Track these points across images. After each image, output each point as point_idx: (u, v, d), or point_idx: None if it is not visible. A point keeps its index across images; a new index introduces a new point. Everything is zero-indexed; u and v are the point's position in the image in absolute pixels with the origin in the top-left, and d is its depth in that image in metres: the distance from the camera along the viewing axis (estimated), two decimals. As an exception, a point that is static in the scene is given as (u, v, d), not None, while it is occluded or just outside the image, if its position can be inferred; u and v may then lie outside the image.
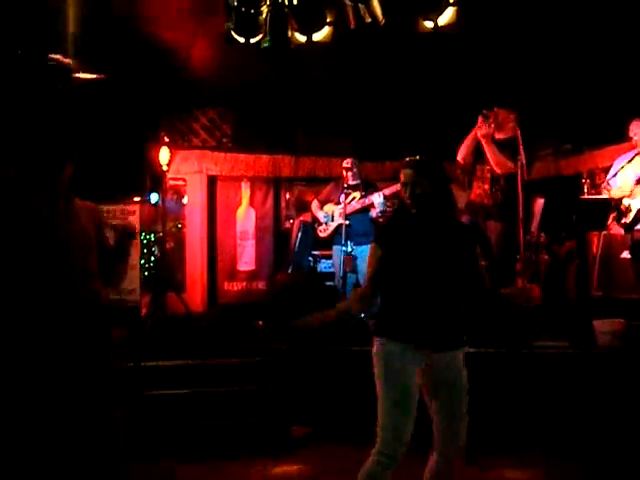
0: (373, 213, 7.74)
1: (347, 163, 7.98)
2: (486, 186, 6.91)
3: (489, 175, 6.91)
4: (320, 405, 6.25)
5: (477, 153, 7.05)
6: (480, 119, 6.82)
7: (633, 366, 5.99)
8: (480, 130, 6.82)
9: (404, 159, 3.79)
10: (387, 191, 7.66)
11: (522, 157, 6.71)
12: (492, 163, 6.85)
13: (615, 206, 7.01)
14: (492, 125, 6.84)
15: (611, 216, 7.13)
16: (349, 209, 7.74)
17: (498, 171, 6.86)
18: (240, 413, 6.15)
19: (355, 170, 8.01)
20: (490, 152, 6.82)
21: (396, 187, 7.48)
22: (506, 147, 6.83)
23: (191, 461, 5.65)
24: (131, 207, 7.15)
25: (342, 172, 8.01)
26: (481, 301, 3.75)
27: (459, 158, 6.98)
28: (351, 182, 7.97)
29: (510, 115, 6.87)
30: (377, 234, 3.86)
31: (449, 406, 3.62)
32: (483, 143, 6.83)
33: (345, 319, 3.90)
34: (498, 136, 6.89)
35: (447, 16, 6.11)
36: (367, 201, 7.81)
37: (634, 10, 7.33)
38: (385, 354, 3.58)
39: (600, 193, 7.33)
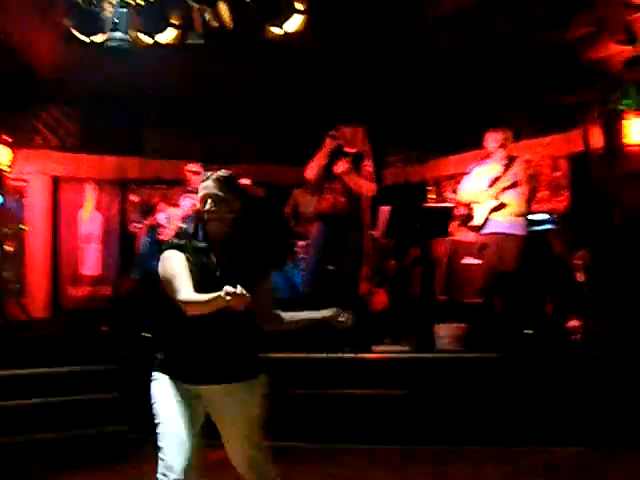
0: None
1: (193, 167, 7.85)
2: (339, 198, 6.95)
3: (340, 187, 6.94)
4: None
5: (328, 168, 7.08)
6: (328, 139, 6.85)
7: (471, 368, 6.18)
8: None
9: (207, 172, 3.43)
10: None
11: (369, 167, 6.82)
12: (363, 192, 6.93)
13: (467, 211, 7.23)
14: (343, 145, 6.92)
15: (456, 222, 7.37)
16: (184, 212, 7.59)
17: (369, 194, 6.97)
18: (82, 422, 5.93)
19: (200, 175, 7.88)
20: (355, 184, 6.90)
21: None
22: (358, 161, 6.91)
23: (30, 475, 5.40)
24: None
25: (187, 176, 7.85)
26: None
27: (309, 177, 6.98)
28: (196, 186, 7.82)
29: (358, 130, 6.96)
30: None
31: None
32: (346, 180, 6.89)
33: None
34: (349, 150, 6.96)
35: (295, 23, 6.11)
36: None
37: (477, 23, 7.59)
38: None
39: (445, 200, 7.55)
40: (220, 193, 3.26)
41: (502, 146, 7.05)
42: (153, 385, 3.28)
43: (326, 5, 6.71)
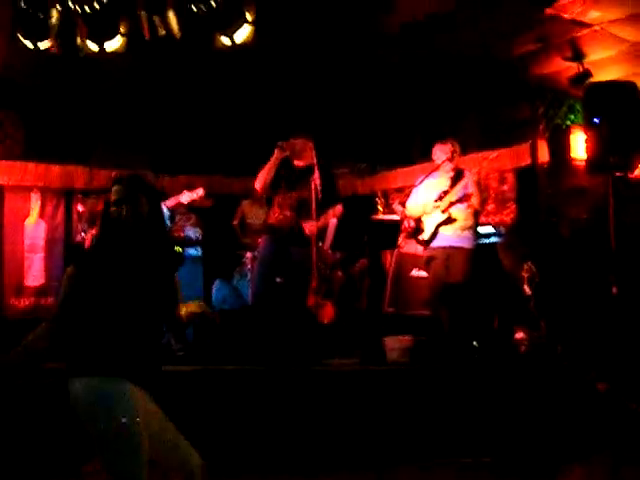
0: None
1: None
2: (287, 212, 6.91)
3: (289, 202, 6.91)
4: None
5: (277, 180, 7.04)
6: (277, 150, 6.82)
7: (420, 381, 6.19)
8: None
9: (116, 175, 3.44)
10: (169, 202, 7.44)
11: (317, 180, 6.80)
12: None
13: (415, 224, 7.25)
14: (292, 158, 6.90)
15: (404, 234, 7.39)
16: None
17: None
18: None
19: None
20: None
21: (177, 199, 7.37)
22: (307, 174, 6.88)
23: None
24: None
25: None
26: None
27: (258, 187, 6.92)
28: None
29: (307, 143, 6.93)
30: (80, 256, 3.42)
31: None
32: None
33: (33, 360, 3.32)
34: (297, 163, 6.94)
35: (244, 34, 6.07)
36: None
37: (426, 36, 7.64)
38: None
39: (393, 212, 7.57)
40: (126, 194, 3.24)
41: (450, 158, 7.09)
42: (120, 394, 3.06)
43: (275, 14, 6.67)
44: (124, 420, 3.03)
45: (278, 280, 7.03)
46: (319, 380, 6.09)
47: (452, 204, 7.00)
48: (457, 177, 7.11)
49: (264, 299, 6.83)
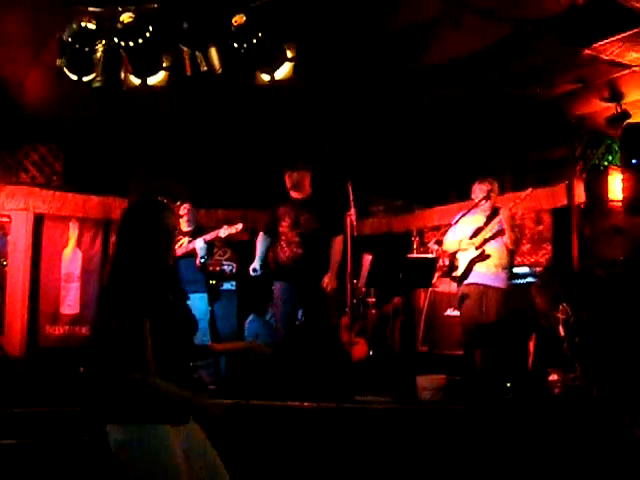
0: (197, 260, 7.56)
1: (184, 209, 7.86)
2: (296, 249, 6.96)
3: (297, 239, 6.95)
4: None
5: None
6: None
7: (452, 421, 6.13)
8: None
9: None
10: (208, 237, 7.53)
11: (353, 216, 6.84)
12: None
13: (450, 261, 7.25)
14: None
15: (439, 273, 7.38)
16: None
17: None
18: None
19: (190, 217, 7.92)
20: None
21: (216, 233, 7.43)
22: (309, 206, 6.94)
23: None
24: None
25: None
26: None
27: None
28: (185, 228, 7.84)
29: (305, 175, 7.01)
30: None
31: None
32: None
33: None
34: (295, 195, 7.00)
35: (284, 71, 6.14)
36: (190, 246, 7.61)
37: (465, 74, 7.67)
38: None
39: (428, 251, 7.57)
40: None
41: (487, 197, 7.11)
42: (153, 442, 3.04)
43: (316, 52, 6.75)
44: (164, 464, 3.04)
45: (299, 319, 7.09)
46: (350, 417, 6.07)
47: (486, 240, 7.01)
48: (493, 215, 7.16)
49: (290, 339, 6.87)
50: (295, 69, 6.12)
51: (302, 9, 6.22)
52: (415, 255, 8.16)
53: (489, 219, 7.14)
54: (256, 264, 7.15)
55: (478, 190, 7.22)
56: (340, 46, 6.89)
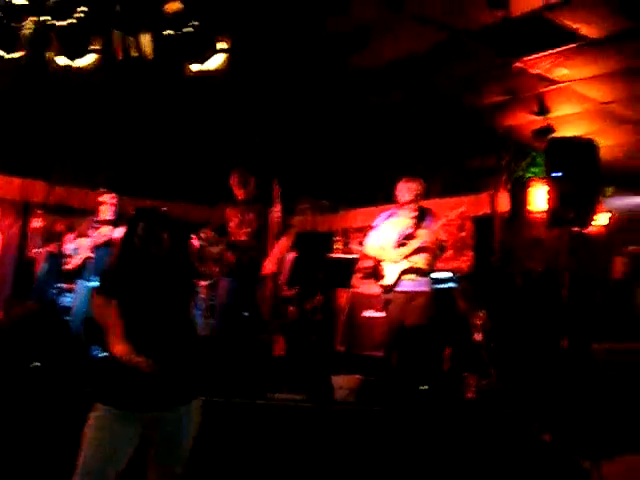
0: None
1: (107, 197, 7.70)
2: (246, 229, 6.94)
3: (244, 238, 6.93)
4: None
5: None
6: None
7: (364, 421, 6.16)
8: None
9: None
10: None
11: (277, 214, 6.82)
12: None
13: (375, 266, 7.18)
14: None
15: (360, 274, 7.36)
16: (94, 243, 7.42)
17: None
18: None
19: (113, 205, 7.76)
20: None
21: None
22: (253, 205, 6.93)
23: None
24: None
25: (98, 205, 7.69)
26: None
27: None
28: (108, 217, 7.69)
29: (250, 178, 6.99)
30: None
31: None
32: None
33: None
34: (240, 195, 6.98)
35: (216, 62, 6.07)
36: (111, 235, 7.43)
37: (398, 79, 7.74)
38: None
39: (351, 252, 7.57)
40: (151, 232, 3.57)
41: (414, 198, 6.89)
42: (93, 420, 3.33)
43: (251, 46, 6.71)
44: (88, 440, 3.37)
45: (245, 314, 7.04)
46: (263, 414, 6.04)
47: (416, 251, 6.91)
48: (420, 218, 6.92)
49: (229, 332, 6.82)
50: (229, 61, 6.04)
51: (241, 2, 6.18)
52: (335, 255, 8.16)
53: (417, 223, 6.94)
54: None
55: (405, 190, 6.94)
56: (278, 42, 6.87)
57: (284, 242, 6.89)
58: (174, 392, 3.46)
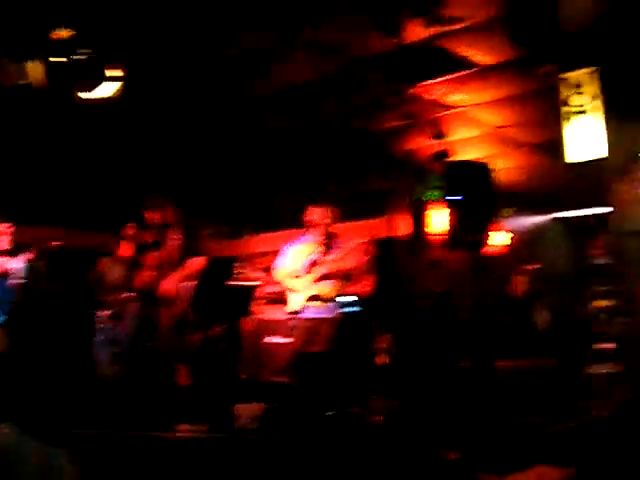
0: (10, 281, 7.16)
1: (7, 227, 7.47)
2: (149, 272, 6.86)
3: (155, 262, 6.86)
4: None
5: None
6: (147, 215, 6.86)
7: (267, 449, 6.11)
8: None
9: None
10: (30, 256, 7.19)
11: (177, 240, 6.76)
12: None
13: (281, 291, 7.13)
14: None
15: (260, 301, 7.34)
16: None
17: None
18: None
19: (10, 235, 7.52)
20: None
21: (32, 254, 7.12)
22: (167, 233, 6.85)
23: None
24: None
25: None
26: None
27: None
28: (3, 247, 7.46)
29: (168, 205, 6.92)
30: None
31: None
32: None
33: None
34: (157, 222, 6.91)
35: (109, 90, 5.98)
36: (8, 266, 7.22)
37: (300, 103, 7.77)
38: None
39: (251, 279, 7.53)
40: None
41: (322, 222, 6.90)
42: None
43: (147, 72, 6.64)
44: None
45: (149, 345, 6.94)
46: (162, 446, 5.93)
47: (322, 278, 6.85)
48: (328, 244, 6.94)
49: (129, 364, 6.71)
50: (123, 88, 5.96)
51: (133, 27, 6.11)
52: (239, 282, 8.09)
53: (326, 249, 6.95)
54: None
55: (314, 215, 6.95)
56: (173, 67, 6.83)
57: (190, 266, 6.85)
58: None
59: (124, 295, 7.14)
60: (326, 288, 6.85)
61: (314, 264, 6.89)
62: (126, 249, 7.29)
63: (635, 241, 5.86)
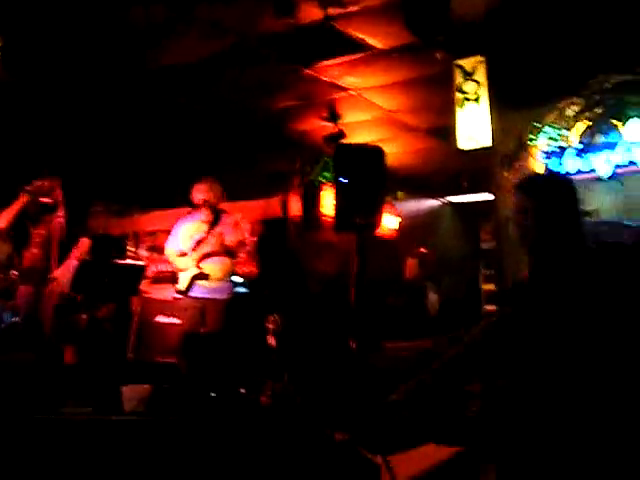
0: None
1: None
2: (35, 250, 6.62)
3: (39, 240, 6.64)
4: None
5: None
6: (22, 195, 6.57)
7: (154, 431, 6.04)
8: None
9: None
10: None
11: (61, 219, 6.58)
12: None
13: (171, 271, 7.06)
14: None
15: (148, 280, 7.24)
16: None
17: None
18: None
19: None
20: None
21: None
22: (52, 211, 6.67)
23: None
24: None
25: None
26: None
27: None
28: None
29: (54, 182, 6.71)
30: None
31: None
32: None
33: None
34: (44, 200, 6.69)
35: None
36: None
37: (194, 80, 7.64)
38: None
39: (140, 257, 7.41)
40: None
41: (208, 200, 6.80)
42: None
43: (30, 44, 6.40)
44: None
45: (14, 319, 6.71)
46: (47, 429, 5.78)
47: (205, 256, 6.80)
48: (214, 222, 6.84)
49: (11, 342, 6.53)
50: (2, 60, 5.72)
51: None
52: (125, 261, 7.93)
53: (210, 227, 6.86)
54: None
55: (197, 192, 6.84)
56: (59, 40, 6.60)
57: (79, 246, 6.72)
58: None
59: (10, 273, 6.89)
60: (214, 267, 6.79)
61: (199, 242, 6.81)
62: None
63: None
